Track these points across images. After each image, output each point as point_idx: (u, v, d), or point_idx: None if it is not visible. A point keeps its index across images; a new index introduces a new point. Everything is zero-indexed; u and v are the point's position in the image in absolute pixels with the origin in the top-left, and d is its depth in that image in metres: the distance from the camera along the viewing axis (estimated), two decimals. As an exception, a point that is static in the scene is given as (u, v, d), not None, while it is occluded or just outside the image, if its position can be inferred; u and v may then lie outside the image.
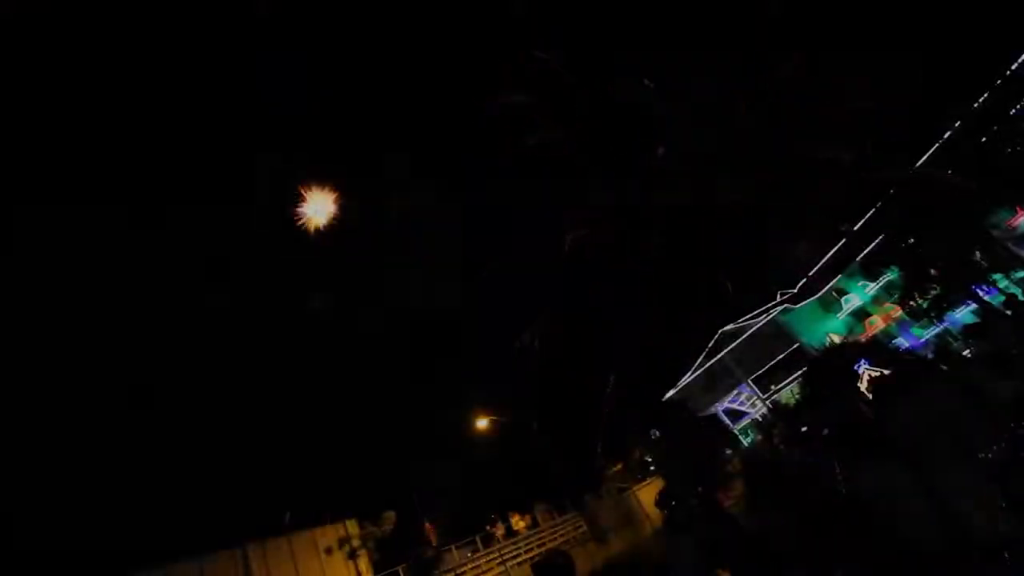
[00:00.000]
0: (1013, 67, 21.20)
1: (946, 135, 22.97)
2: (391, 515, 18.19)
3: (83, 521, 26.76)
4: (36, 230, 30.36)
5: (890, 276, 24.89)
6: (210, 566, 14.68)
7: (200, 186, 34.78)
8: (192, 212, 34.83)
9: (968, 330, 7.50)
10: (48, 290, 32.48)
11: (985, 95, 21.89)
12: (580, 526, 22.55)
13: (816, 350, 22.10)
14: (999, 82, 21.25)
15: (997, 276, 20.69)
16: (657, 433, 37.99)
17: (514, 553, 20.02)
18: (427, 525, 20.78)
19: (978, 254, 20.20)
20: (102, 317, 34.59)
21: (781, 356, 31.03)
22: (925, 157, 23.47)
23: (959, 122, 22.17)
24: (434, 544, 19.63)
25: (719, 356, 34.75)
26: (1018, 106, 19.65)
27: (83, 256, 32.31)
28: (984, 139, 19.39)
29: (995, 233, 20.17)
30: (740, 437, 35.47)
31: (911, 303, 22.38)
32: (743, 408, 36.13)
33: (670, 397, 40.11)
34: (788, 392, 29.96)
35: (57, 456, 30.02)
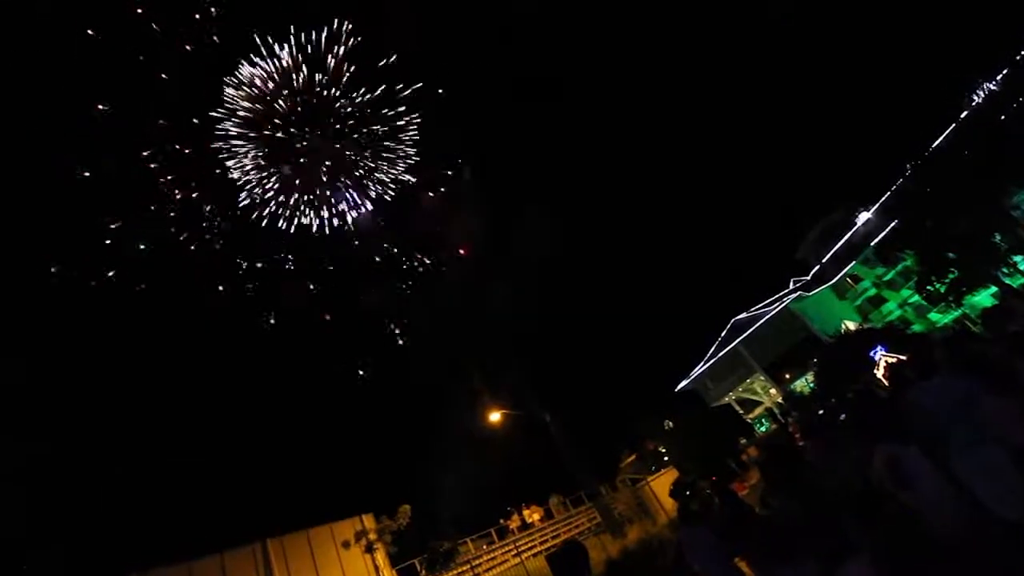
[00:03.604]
0: (1033, 41, 20.55)
1: (963, 114, 22.38)
2: (407, 509, 18.34)
3: (109, 519, 27.44)
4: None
5: (906, 261, 24.35)
6: (231, 561, 14.96)
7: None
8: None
9: (987, 313, 7.31)
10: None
11: (1004, 71, 21.27)
12: (594, 517, 22.59)
13: (830, 337, 21.79)
14: (1019, 56, 20.62)
15: (1017, 258, 20.16)
16: (671, 424, 37.89)
17: (529, 545, 20.13)
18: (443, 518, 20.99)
19: (997, 236, 19.67)
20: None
21: (794, 344, 30.64)
22: (943, 136, 22.92)
23: (978, 98, 21.57)
24: (450, 537, 19.80)
25: (732, 345, 34.44)
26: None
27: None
28: (1003, 116, 18.83)
29: (1014, 213, 19.62)
30: (754, 426, 35.21)
31: (928, 288, 21.90)
32: (756, 397, 35.83)
33: (683, 387, 39.95)
34: (802, 380, 29.63)
35: (85, 455, 30.79)
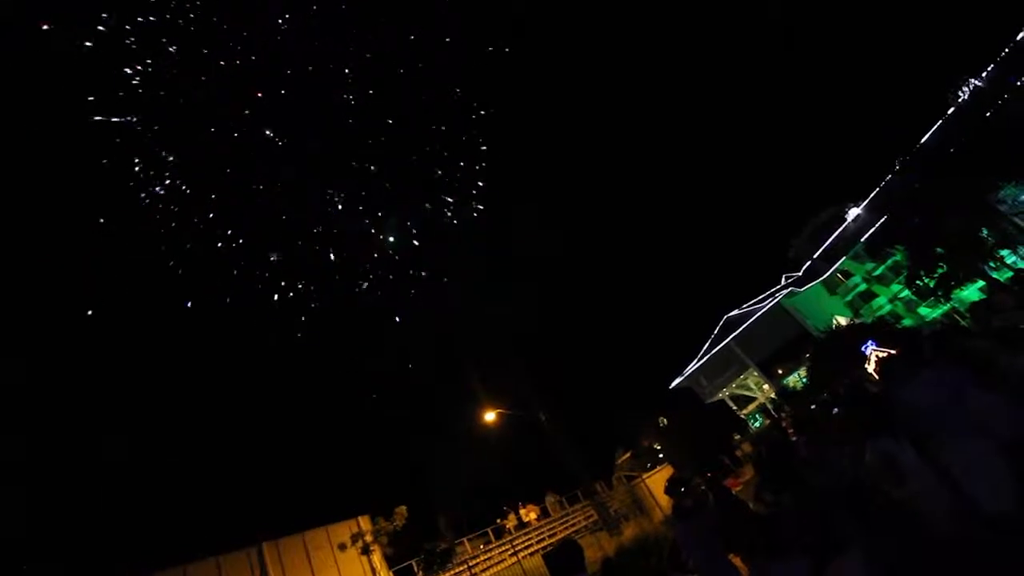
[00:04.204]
0: (1018, 38, 20.80)
1: (950, 110, 22.63)
2: (403, 510, 18.28)
3: (105, 522, 27.23)
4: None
5: (896, 256, 24.57)
6: (227, 564, 14.88)
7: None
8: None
9: (975, 307, 7.39)
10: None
11: (990, 67, 21.53)
12: (590, 515, 22.65)
13: (822, 333, 21.98)
14: (1004, 53, 20.88)
15: (1004, 252, 20.43)
16: (665, 421, 38.05)
17: (525, 544, 20.14)
18: (439, 518, 20.96)
19: (984, 231, 19.92)
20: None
21: (787, 340, 30.87)
22: (930, 132, 23.16)
23: (964, 95, 21.83)
24: (446, 537, 19.78)
25: (725, 342, 34.63)
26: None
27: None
28: (989, 113, 19.06)
29: (1002, 208, 19.87)
30: (748, 421, 35.44)
31: (918, 283, 22.14)
32: (750, 393, 36.06)
33: (677, 384, 40.12)
34: (795, 375, 29.86)
35: (82, 458, 30.53)
